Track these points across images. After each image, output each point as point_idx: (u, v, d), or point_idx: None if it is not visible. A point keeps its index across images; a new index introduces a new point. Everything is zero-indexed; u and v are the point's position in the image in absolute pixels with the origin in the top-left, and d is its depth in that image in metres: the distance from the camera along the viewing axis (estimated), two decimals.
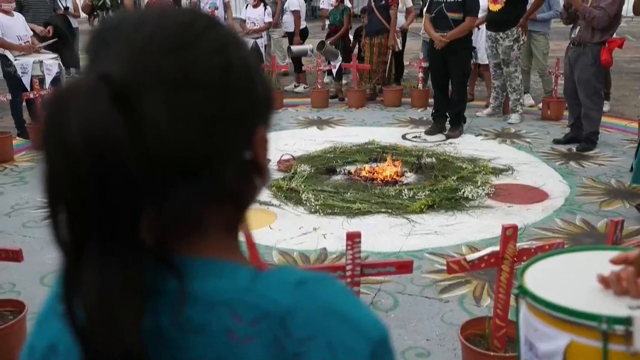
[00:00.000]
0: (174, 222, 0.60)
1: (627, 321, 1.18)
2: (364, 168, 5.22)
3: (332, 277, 0.64)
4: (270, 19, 9.07)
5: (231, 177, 0.61)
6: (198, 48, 0.58)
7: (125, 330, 0.53)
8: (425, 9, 6.89)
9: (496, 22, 6.69)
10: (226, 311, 0.58)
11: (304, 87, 9.09)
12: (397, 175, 5.05)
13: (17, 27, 6.46)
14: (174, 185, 0.58)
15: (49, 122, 0.53)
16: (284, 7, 9.03)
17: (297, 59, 8.98)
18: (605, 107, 7.13)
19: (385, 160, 5.35)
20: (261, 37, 9.00)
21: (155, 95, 0.56)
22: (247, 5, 9.14)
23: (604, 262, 1.31)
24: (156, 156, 0.56)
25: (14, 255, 2.59)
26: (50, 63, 6.63)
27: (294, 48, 8.67)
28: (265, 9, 9.01)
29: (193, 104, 0.57)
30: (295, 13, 8.94)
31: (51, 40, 7.24)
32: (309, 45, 8.48)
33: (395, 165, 5.19)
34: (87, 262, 0.54)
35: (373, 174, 5.08)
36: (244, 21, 8.91)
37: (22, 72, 6.31)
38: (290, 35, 9.20)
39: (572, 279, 1.36)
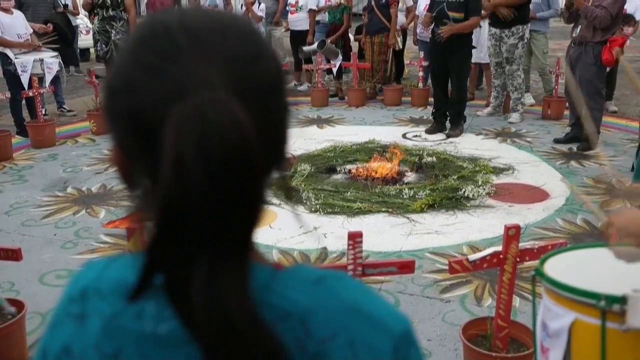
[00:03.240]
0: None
1: (623, 300, 1.23)
2: (365, 167, 5.21)
3: (348, 275, 0.64)
4: (262, 14, 9.05)
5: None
6: (267, 56, 0.60)
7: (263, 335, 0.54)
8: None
9: (500, 20, 6.68)
10: None
11: (308, 86, 9.06)
12: (395, 174, 5.03)
13: (17, 25, 6.44)
14: (263, 189, 0.59)
15: (187, 135, 0.52)
16: (300, 5, 8.93)
17: (305, 58, 8.93)
18: (613, 108, 7.10)
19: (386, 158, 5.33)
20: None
21: (254, 103, 0.57)
22: (241, 6, 9.12)
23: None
24: (266, 162, 0.58)
25: (13, 254, 2.57)
26: (51, 61, 6.62)
27: (305, 48, 8.59)
28: (259, 5, 8.99)
29: (273, 109, 0.59)
30: (312, 12, 8.86)
31: (53, 38, 7.22)
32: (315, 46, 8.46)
33: (394, 159, 5.17)
34: (201, 270, 0.53)
35: (371, 172, 5.06)
36: None
37: (21, 71, 6.29)
38: (297, 34, 9.09)
39: (588, 267, 1.43)
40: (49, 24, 7.51)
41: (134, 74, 0.57)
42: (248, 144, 0.53)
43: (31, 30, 6.76)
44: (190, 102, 0.53)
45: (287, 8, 9.23)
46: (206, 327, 0.52)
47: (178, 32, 0.57)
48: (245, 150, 0.53)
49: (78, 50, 10.90)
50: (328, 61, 8.31)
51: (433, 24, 6.46)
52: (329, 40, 8.27)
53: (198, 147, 0.51)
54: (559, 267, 1.44)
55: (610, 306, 1.25)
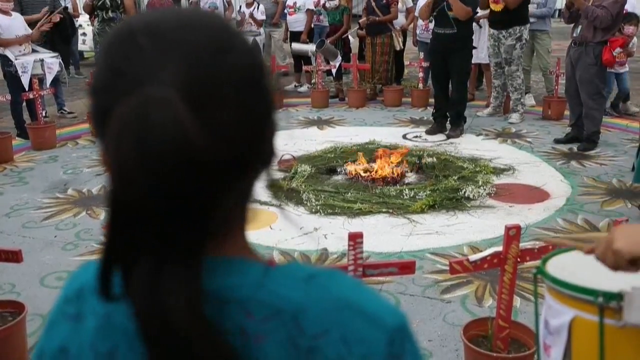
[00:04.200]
0: (218, 225, 0.59)
1: (620, 296, 1.25)
2: (366, 167, 5.20)
3: (341, 271, 0.64)
4: (264, 17, 9.05)
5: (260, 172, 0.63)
6: (237, 49, 0.59)
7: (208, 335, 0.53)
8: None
9: (498, 21, 6.69)
10: (238, 309, 0.57)
11: (308, 87, 9.06)
12: (398, 174, 5.03)
13: (16, 27, 6.44)
14: (228, 188, 0.58)
15: (125, 134, 0.52)
16: (299, 6, 8.95)
17: (298, 58, 8.94)
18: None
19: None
20: (260, 34, 8.99)
21: (216, 99, 0.56)
22: (240, 7, 9.12)
23: None
24: (222, 160, 0.56)
25: (14, 256, 2.57)
26: (51, 61, 6.61)
27: (295, 45, 8.62)
28: (258, 7, 8.98)
29: (246, 104, 0.58)
30: (309, 12, 8.88)
31: (51, 15, 7.17)
32: (311, 46, 8.47)
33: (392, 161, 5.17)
34: (144, 269, 0.53)
35: (372, 172, 5.06)
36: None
37: (22, 72, 6.29)
38: (294, 34, 9.09)
39: (589, 266, 1.45)
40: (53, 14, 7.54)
41: (103, 77, 0.58)
42: (189, 145, 0.51)
43: (30, 31, 6.76)
44: (131, 101, 0.52)
45: (286, 10, 9.23)
46: (144, 330, 0.52)
47: (140, 33, 0.58)
48: (186, 151, 0.51)
49: (78, 53, 10.90)
50: (327, 62, 8.31)
51: (434, 24, 6.47)
52: (328, 41, 8.27)
53: (136, 147, 0.51)
54: (560, 266, 1.45)
55: (607, 303, 1.26)
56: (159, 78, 0.55)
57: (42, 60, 6.47)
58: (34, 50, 6.65)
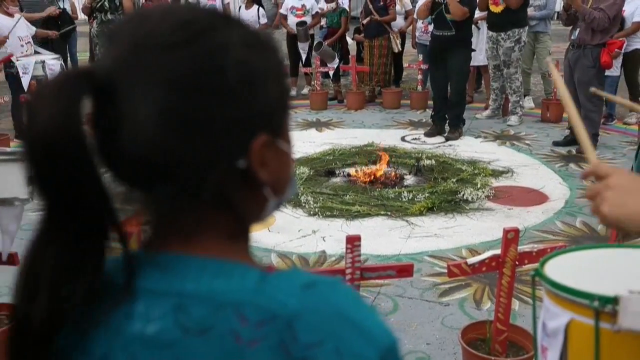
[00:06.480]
0: (159, 221, 0.62)
1: (615, 300, 1.24)
2: (363, 170, 5.20)
3: (341, 281, 0.63)
4: (265, 20, 9.03)
5: (220, 184, 0.59)
6: (193, 48, 0.57)
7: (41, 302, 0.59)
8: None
9: (497, 23, 6.69)
10: (232, 312, 0.57)
11: (309, 89, 9.03)
12: (395, 177, 5.03)
13: (18, 28, 6.45)
14: (154, 187, 0.59)
15: (26, 116, 0.55)
16: (308, 9, 8.87)
17: (295, 61, 8.90)
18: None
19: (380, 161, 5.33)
20: None
21: (141, 93, 0.56)
22: (239, 8, 9.07)
23: (619, 257, 1.42)
24: (133, 155, 0.56)
25: (11, 259, 2.56)
26: (53, 63, 6.61)
27: (325, 48, 8.42)
28: (258, 10, 8.95)
29: (178, 106, 0.56)
30: (318, 15, 8.81)
31: (70, 28, 7.16)
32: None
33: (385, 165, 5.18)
34: (45, 246, 0.58)
35: (370, 175, 5.06)
36: None
37: (23, 73, 6.29)
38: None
39: (587, 268, 1.45)
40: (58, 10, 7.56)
41: None
42: (71, 135, 0.54)
43: (33, 31, 6.77)
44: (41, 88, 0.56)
45: (292, 12, 9.05)
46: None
47: (116, 28, 0.61)
48: (66, 142, 0.53)
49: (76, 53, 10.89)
50: (324, 64, 8.28)
51: (433, 26, 6.47)
52: (325, 43, 8.25)
53: (26, 132, 0.54)
54: (558, 268, 1.45)
55: (603, 307, 1.25)
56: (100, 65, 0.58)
57: (43, 62, 6.46)
58: (36, 52, 6.65)
